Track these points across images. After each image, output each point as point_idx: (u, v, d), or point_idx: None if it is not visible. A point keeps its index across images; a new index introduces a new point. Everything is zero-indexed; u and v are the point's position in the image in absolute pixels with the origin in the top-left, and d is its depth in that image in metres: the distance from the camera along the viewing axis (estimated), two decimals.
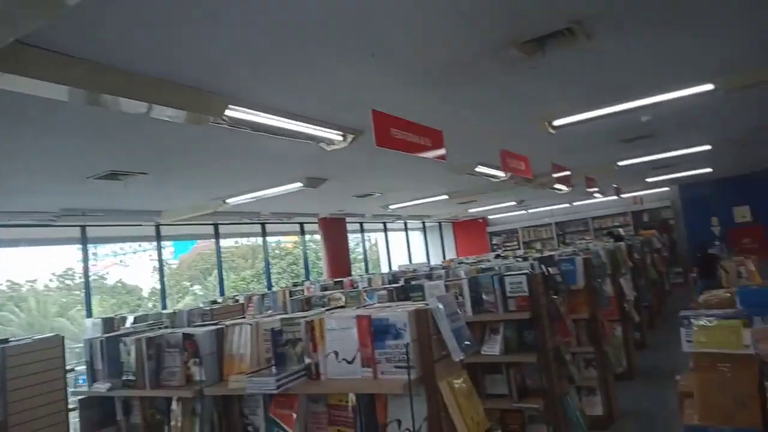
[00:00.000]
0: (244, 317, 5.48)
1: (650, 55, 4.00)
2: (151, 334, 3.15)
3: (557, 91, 4.53)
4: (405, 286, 4.60)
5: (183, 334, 3.00)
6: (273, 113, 3.79)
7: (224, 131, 4.27)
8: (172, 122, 3.71)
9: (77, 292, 15.45)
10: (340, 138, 4.74)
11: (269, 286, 11.34)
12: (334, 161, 6.21)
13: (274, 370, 2.60)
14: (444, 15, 2.83)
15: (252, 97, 3.62)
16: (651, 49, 3.88)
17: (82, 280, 13.67)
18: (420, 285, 4.49)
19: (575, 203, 16.94)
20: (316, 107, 4.04)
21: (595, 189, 9.47)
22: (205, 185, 6.55)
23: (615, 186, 11.87)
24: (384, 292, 4.59)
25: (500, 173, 8.46)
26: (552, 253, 7.84)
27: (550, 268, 4.13)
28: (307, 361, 2.54)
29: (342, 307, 3.11)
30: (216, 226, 10.14)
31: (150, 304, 17.33)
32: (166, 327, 3.73)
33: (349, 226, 14.19)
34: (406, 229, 16.97)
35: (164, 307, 9.45)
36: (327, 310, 2.90)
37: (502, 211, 17.86)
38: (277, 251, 20.71)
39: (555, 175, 6.77)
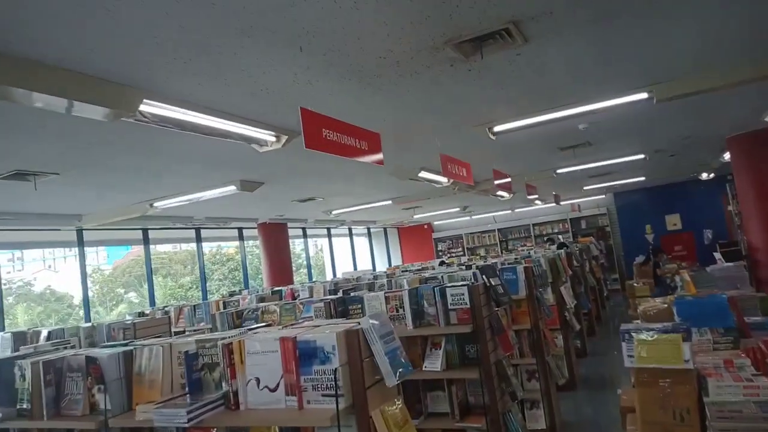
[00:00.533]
0: (169, 332, 5.04)
1: (588, 62, 3.96)
2: (50, 357, 2.77)
3: (496, 95, 4.43)
4: (344, 298, 4.37)
5: (86, 357, 2.64)
6: (195, 109, 3.46)
7: (145, 129, 3.90)
8: (83, 118, 3.33)
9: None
10: (273, 139, 4.45)
11: (204, 296, 10.79)
12: (270, 164, 5.91)
13: (188, 399, 2.30)
14: (377, 9, 2.63)
15: (169, 91, 3.29)
16: (589, 56, 3.84)
17: (6, 286, 12.68)
18: (359, 297, 4.26)
19: (517, 210, 17.23)
20: (243, 104, 3.74)
21: (535, 196, 9.59)
22: (128, 187, 6.08)
23: (554, 193, 12.10)
24: (321, 304, 4.33)
25: (443, 179, 8.38)
26: (495, 260, 7.82)
27: (491, 279, 4.00)
28: (225, 388, 2.25)
29: (268, 325, 2.84)
30: (145, 231, 9.54)
31: (81, 312, 16.31)
32: (77, 345, 3.34)
33: (292, 231, 13.84)
34: (350, 235, 16.73)
35: (88, 319, 8.78)
36: (250, 329, 2.61)
37: (447, 217, 17.94)
38: (217, 257, 20.00)
39: (496, 182, 6.72)
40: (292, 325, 2.61)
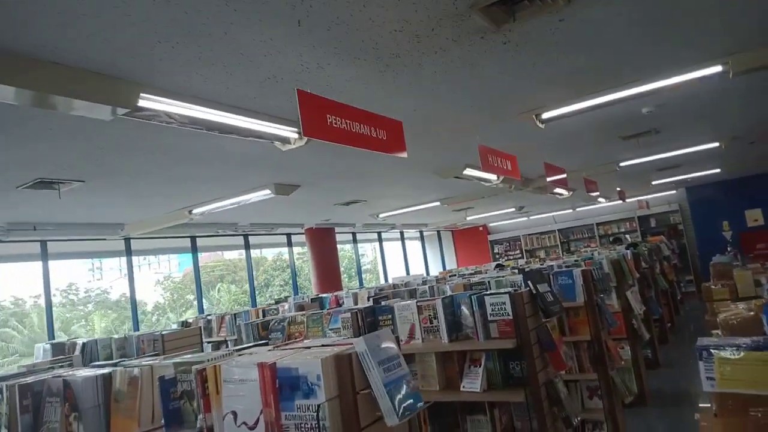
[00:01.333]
0: (200, 344, 4.74)
1: (647, 28, 3.35)
2: (27, 380, 2.50)
3: (540, 74, 3.88)
4: (373, 307, 3.95)
5: (63, 380, 2.35)
6: (198, 103, 3.15)
7: (162, 131, 3.67)
8: (94, 120, 3.11)
9: (81, 307, 15.72)
10: (295, 135, 4.10)
11: (253, 303, 10.68)
12: (303, 165, 5.59)
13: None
14: None
15: (164, 82, 2.99)
16: (648, 21, 3.24)
17: (86, 294, 13.26)
18: (389, 307, 3.84)
19: (578, 209, 16.25)
20: (253, 96, 3.39)
21: (597, 193, 8.80)
22: (161, 194, 5.94)
23: (619, 189, 11.18)
24: (348, 314, 3.93)
25: (492, 176, 7.81)
26: (552, 263, 7.17)
27: (539, 285, 3.45)
28: (199, 424, 1.88)
29: (289, 340, 2.46)
30: (193, 239, 9.51)
31: (154, 318, 16.98)
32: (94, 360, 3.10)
33: (342, 236, 13.58)
34: (402, 239, 16.30)
35: (136, 328, 8.81)
36: (242, 349, 2.24)
37: (503, 219, 17.18)
38: (278, 263, 20.16)
39: (550, 178, 6.10)
40: (286, 344, 2.21)
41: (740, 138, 7.82)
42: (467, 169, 6.84)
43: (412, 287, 5.95)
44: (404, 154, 3.17)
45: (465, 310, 3.52)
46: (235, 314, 6.94)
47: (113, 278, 16.57)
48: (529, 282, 3.47)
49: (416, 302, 3.66)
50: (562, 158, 6.95)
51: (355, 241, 13.94)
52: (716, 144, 7.95)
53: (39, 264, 7.32)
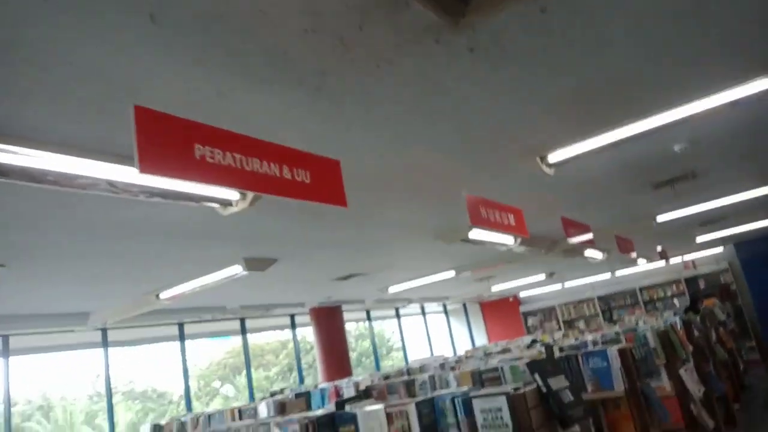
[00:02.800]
0: None
1: (666, 26, 2.49)
2: None
3: (531, 99, 3.01)
4: (332, 414, 2.94)
5: None
6: (47, 149, 2.34)
7: (73, 198, 2.91)
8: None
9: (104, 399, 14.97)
10: (236, 195, 3.28)
11: (251, 396, 9.62)
12: (270, 234, 4.76)
13: None
14: None
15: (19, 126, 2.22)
16: (668, 16, 2.38)
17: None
18: (352, 414, 2.83)
19: (618, 273, 14.86)
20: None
21: (633, 254, 7.66)
22: (116, 277, 5.15)
23: (659, 249, 9.95)
24: (296, 426, 2.92)
25: (508, 240, 6.82)
26: (589, 337, 6.00)
27: (550, 380, 2.41)
28: None
29: None
30: (181, 326, 8.64)
31: (180, 407, 16.11)
32: None
33: (356, 314, 12.53)
34: (423, 314, 15.09)
35: (109, 425, 7.80)
36: None
37: (534, 287, 15.85)
38: (301, 344, 19.13)
39: (572, 238, 5.08)
40: None
41: None
42: (474, 230, 5.89)
43: (412, 377, 4.87)
44: (342, 205, 2.28)
45: (449, 418, 2.49)
46: (209, 415, 5.92)
47: (140, 367, 16.03)
48: (537, 376, 2.43)
49: (385, 407, 2.64)
50: (586, 213, 5.94)
51: (368, 318, 12.84)
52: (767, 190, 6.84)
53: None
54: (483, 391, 2.35)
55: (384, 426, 2.59)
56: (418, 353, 14.69)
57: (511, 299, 17.04)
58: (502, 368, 4.04)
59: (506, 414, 2.21)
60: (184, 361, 8.62)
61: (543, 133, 3.53)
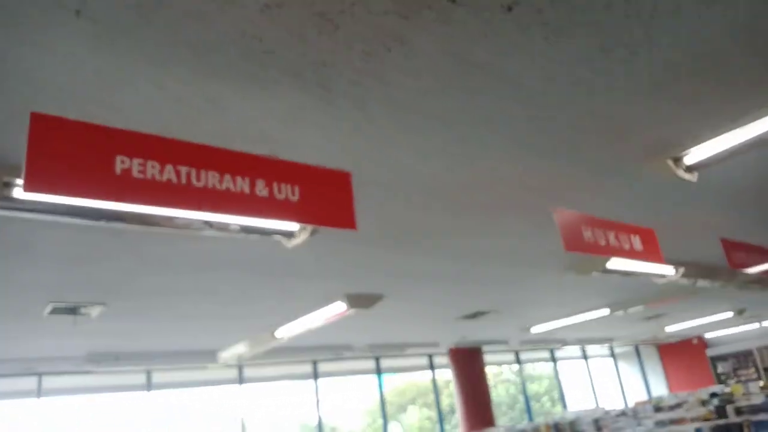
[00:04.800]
0: None
1: None
2: None
3: (634, 77, 2.20)
4: None
5: None
6: None
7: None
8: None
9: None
10: (295, 225, 2.95)
11: None
12: (365, 266, 4.37)
13: None
14: None
15: None
16: None
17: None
18: None
19: None
20: None
21: None
22: (225, 317, 5.19)
23: None
24: None
25: (668, 270, 5.58)
26: None
27: None
28: None
29: None
30: (315, 364, 8.60)
31: None
32: None
33: (502, 356, 11.54)
34: (585, 357, 13.40)
35: None
36: None
37: (722, 327, 13.21)
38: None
39: (740, 265, 3.84)
40: None
41: None
42: (613, 258, 4.87)
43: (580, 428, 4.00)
44: (350, 227, 1.78)
45: None
46: None
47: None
48: None
49: None
50: (759, 233, 4.56)
51: (518, 362, 11.71)
52: None
53: None
54: None
55: None
56: (580, 402, 13.04)
57: (695, 341, 14.44)
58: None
59: None
60: (318, 400, 8.55)
61: (667, 126, 2.63)
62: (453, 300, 6.04)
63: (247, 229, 2.79)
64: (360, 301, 5.04)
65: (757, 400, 4.65)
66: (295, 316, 5.46)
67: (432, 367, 10.23)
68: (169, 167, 1.47)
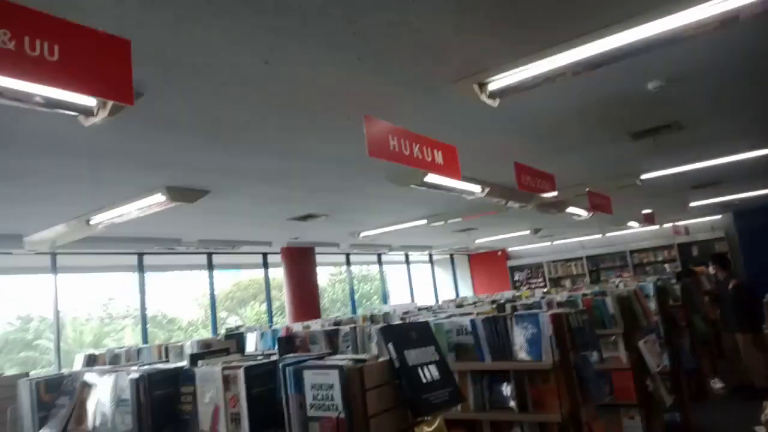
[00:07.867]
0: None
1: None
2: None
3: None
4: (171, 371, 2.48)
5: None
6: None
7: None
8: None
9: (118, 321, 16.19)
10: (92, 101, 2.72)
11: (214, 330, 9.42)
12: (194, 161, 4.24)
13: None
14: None
15: None
16: None
17: (123, 309, 12.79)
18: (191, 372, 2.37)
19: (609, 234, 14.31)
20: None
21: (599, 210, 6.78)
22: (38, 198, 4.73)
23: (644, 212, 9.33)
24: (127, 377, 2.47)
25: (474, 187, 6.26)
26: (574, 294, 5.51)
27: (413, 351, 1.92)
28: None
29: None
30: (140, 256, 8.30)
31: (188, 333, 17.19)
32: None
33: (334, 257, 12.20)
34: (407, 262, 14.74)
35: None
36: None
37: (521, 243, 15.37)
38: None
39: (530, 188, 4.45)
40: None
41: None
42: (430, 173, 5.33)
43: (336, 328, 4.43)
44: (126, 102, 1.72)
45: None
46: (138, 350, 5.60)
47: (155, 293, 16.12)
48: (390, 347, 1.93)
49: (222, 369, 2.18)
50: (552, 160, 5.32)
51: (348, 263, 12.50)
52: (765, 151, 6.15)
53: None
54: (312, 362, 1.88)
55: (220, 391, 2.15)
56: (401, 300, 14.46)
57: (499, 253, 16.63)
58: (434, 325, 3.58)
59: (337, 393, 1.74)
60: (143, 292, 8.36)
61: (475, 51, 2.88)
62: (284, 201, 6.17)
63: (28, 98, 2.52)
64: (182, 194, 4.92)
65: (531, 301, 5.58)
66: (111, 204, 5.16)
67: (266, 265, 10.48)
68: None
